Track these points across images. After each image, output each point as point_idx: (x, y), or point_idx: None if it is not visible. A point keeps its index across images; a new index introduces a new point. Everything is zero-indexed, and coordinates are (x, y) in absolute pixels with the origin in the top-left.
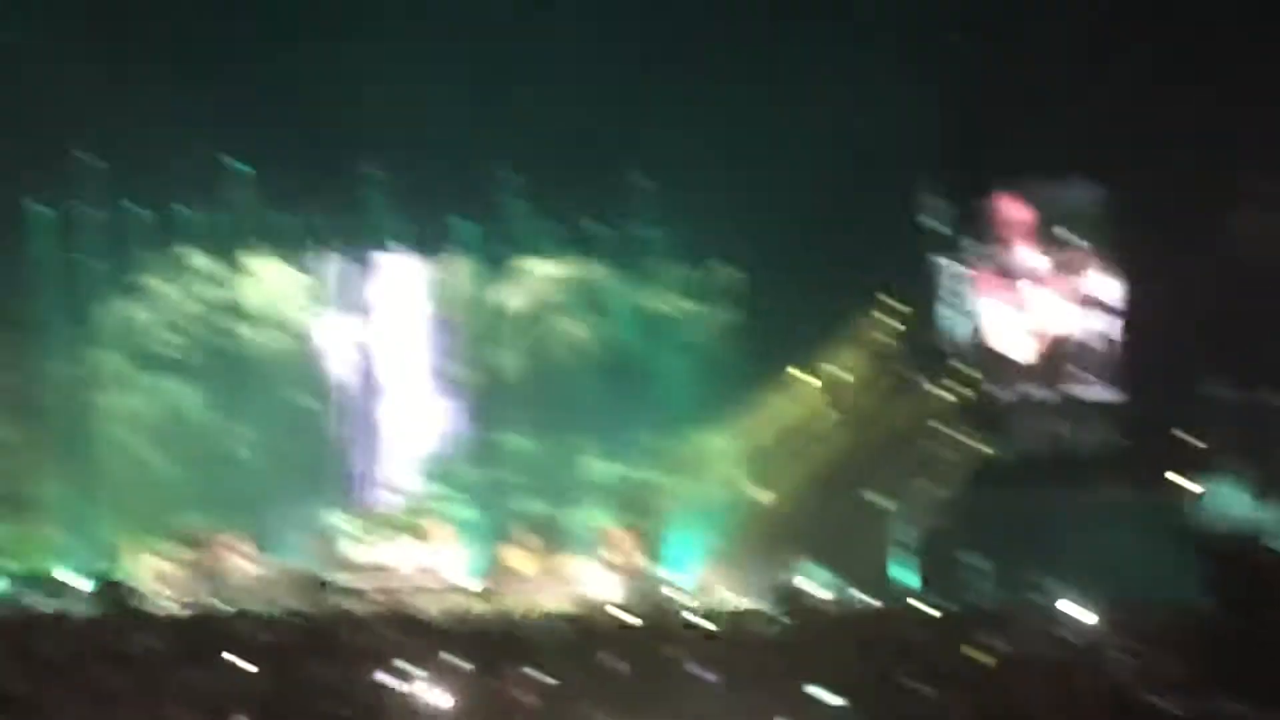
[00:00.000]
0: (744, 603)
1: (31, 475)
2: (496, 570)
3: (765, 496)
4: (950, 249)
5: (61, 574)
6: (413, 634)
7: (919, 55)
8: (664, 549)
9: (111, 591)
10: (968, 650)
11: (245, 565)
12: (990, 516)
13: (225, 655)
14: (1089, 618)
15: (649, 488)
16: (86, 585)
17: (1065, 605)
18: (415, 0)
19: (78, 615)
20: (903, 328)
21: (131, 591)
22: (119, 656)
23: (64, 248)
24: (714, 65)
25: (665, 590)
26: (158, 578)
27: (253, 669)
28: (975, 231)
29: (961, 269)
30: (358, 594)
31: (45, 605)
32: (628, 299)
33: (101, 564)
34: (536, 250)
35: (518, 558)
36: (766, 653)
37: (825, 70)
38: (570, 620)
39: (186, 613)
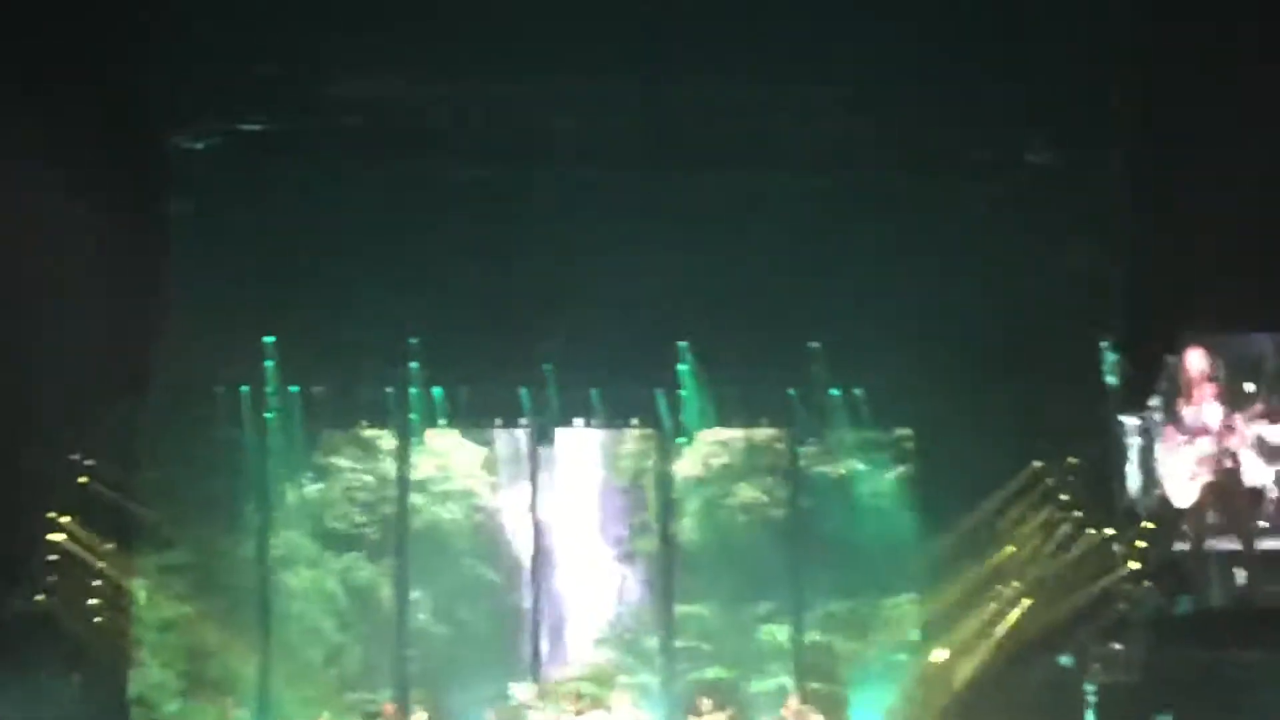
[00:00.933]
0: None
1: (217, 654)
2: None
3: (949, 660)
4: (1134, 405)
5: None
6: None
7: (1092, 211)
8: (848, 714)
9: None
10: None
11: None
12: (1179, 675)
13: None
14: None
15: (831, 653)
16: None
17: None
18: (574, 186)
19: None
20: (1086, 487)
21: None
22: None
23: (247, 428)
24: (887, 229)
25: None
26: None
27: None
28: (1159, 387)
29: (1145, 425)
30: None
31: None
32: (806, 461)
33: None
34: (713, 417)
35: None
36: None
37: (1001, 225)
38: None
39: None
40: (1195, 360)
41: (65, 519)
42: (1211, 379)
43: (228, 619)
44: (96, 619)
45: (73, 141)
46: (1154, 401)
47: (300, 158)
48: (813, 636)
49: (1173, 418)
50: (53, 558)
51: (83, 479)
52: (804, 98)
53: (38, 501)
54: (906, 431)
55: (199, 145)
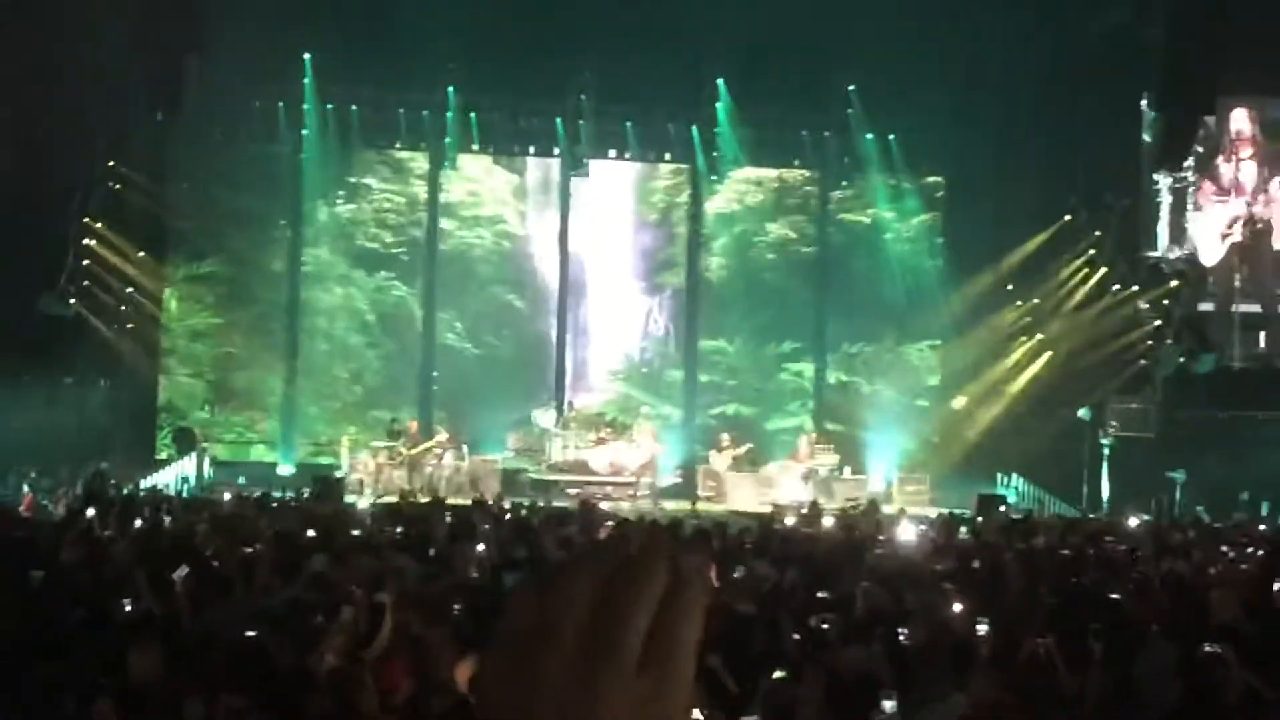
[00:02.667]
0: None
1: (246, 365)
2: (695, 471)
3: (967, 407)
4: (1168, 163)
5: (271, 461)
6: (608, 529)
7: None
8: (862, 456)
9: (320, 481)
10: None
11: (449, 459)
12: (1195, 432)
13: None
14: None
15: (851, 394)
16: (290, 472)
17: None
18: None
19: (284, 501)
20: (1115, 242)
21: (339, 481)
22: (323, 542)
23: (284, 144)
24: None
25: (859, 493)
26: (363, 468)
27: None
28: (1194, 146)
29: (1178, 183)
30: (554, 488)
31: (252, 490)
32: (835, 206)
33: (309, 453)
34: (746, 156)
35: (717, 459)
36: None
37: None
38: (758, 518)
39: (386, 500)
40: (1237, 119)
41: (99, 225)
42: (1251, 140)
43: (256, 331)
44: (127, 325)
45: None
46: (1188, 161)
47: None
48: (835, 377)
49: (1208, 176)
50: (86, 263)
51: (117, 186)
52: None
53: (70, 206)
54: (938, 179)
55: None
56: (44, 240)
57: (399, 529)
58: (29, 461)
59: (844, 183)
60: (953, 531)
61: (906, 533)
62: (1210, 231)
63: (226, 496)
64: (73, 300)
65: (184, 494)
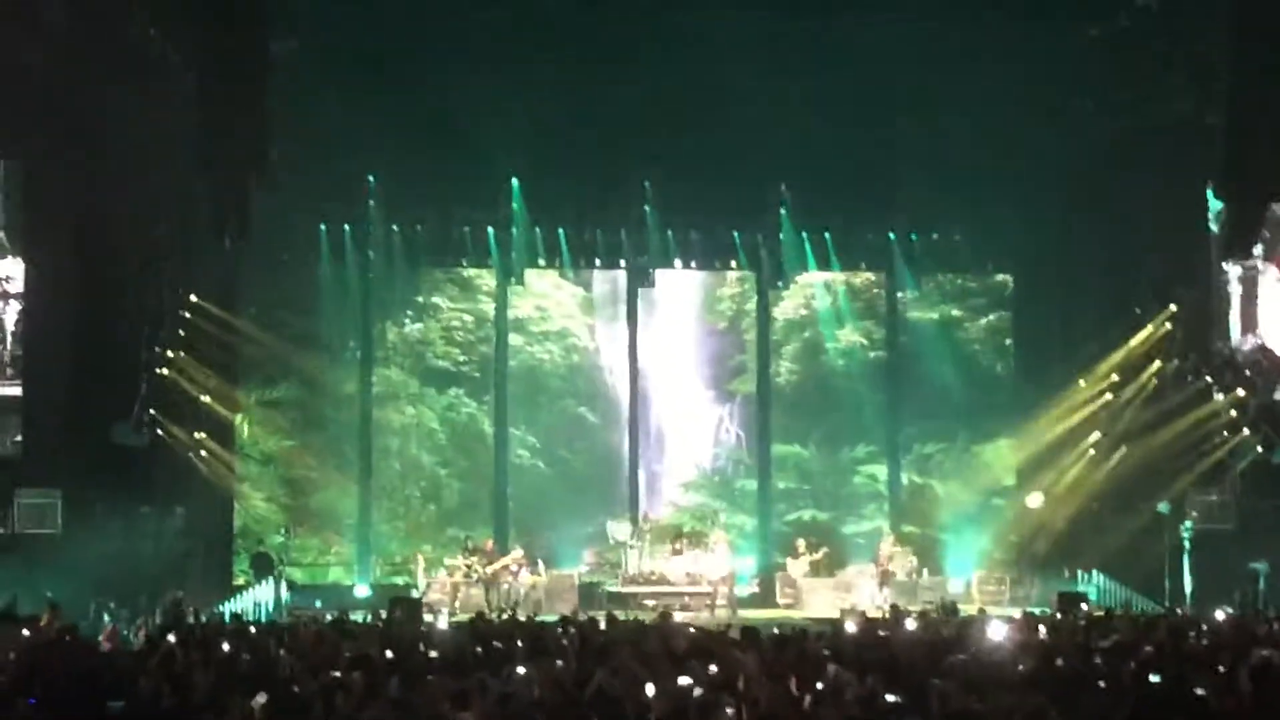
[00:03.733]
0: (1017, 610)
1: (320, 488)
2: (773, 578)
3: (1044, 505)
4: (1236, 253)
5: (349, 583)
6: (684, 640)
7: (1201, 53)
8: (940, 557)
9: (397, 601)
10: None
11: (525, 575)
12: (1276, 522)
13: (503, 660)
14: None
15: (926, 495)
16: (367, 593)
17: None
18: (705, 25)
19: (362, 623)
20: (1186, 333)
21: (416, 601)
22: (402, 663)
23: (350, 266)
24: (989, 73)
25: (940, 595)
26: (440, 587)
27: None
28: (1262, 235)
29: (1247, 273)
30: (631, 600)
31: (330, 612)
32: (904, 307)
33: (385, 574)
34: (812, 261)
35: (794, 566)
36: (1041, 655)
37: (1103, 68)
38: (836, 624)
39: (466, 620)
40: None
41: (171, 353)
42: None
43: (330, 454)
44: (202, 453)
45: None
46: (1257, 250)
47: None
48: (909, 479)
49: (1276, 262)
50: (159, 391)
51: (188, 314)
52: None
53: (146, 335)
54: (1004, 276)
55: None
56: (117, 370)
57: (478, 648)
58: (108, 592)
59: (912, 284)
60: (1033, 630)
61: (997, 633)
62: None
63: (304, 620)
64: (146, 429)
65: (262, 619)
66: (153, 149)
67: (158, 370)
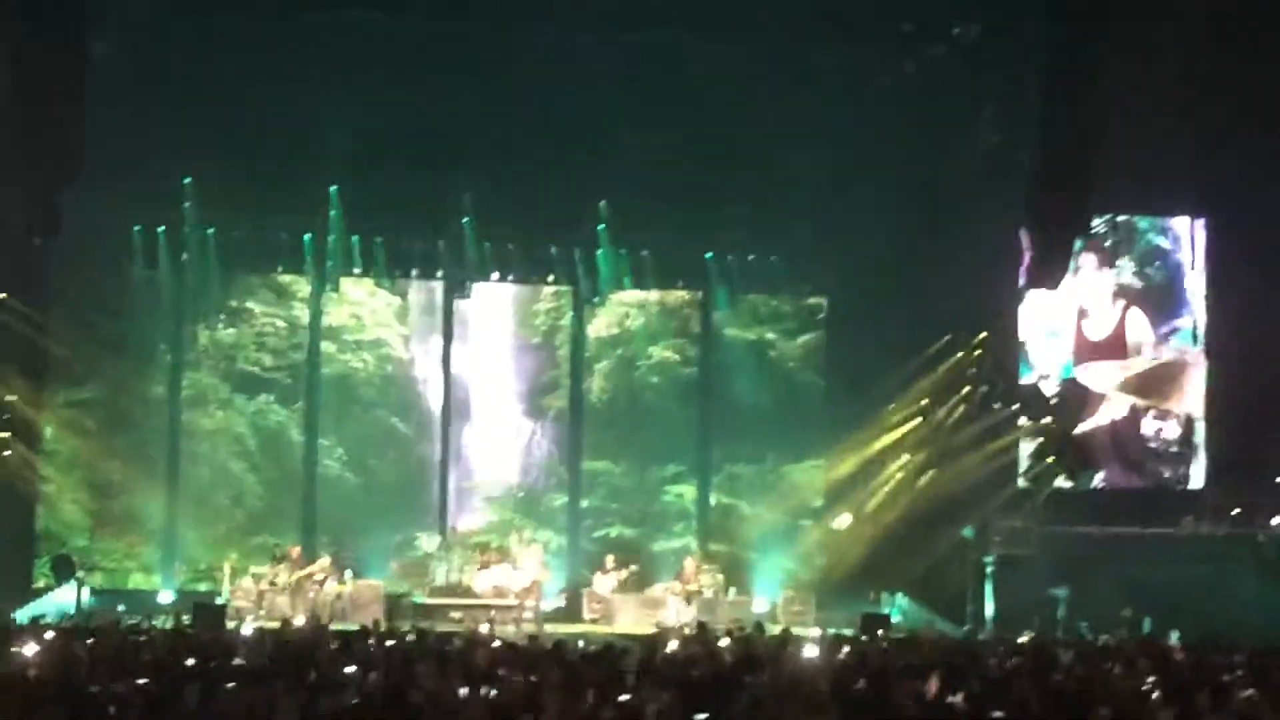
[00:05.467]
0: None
1: (126, 491)
2: (580, 594)
3: (851, 527)
4: (1042, 283)
5: (152, 588)
6: (490, 653)
7: (1012, 88)
8: (747, 576)
9: (200, 608)
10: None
11: (332, 584)
12: (1077, 549)
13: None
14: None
15: (735, 515)
16: (170, 598)
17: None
18: (532, 39)
19: (164, 629)
20: (994, 361)
21: (219, 608)
22: (204, 672)
23: (164, 269)
24: (808, 98)
25: (742, 614)
26: (245, 595)
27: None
28: (1063, 265)
29: (1048, 301)
30: (437, 612)
31: (133, 618)
32: (717, 326)
33: (190, 579)
34: (628, 278)
35: (601, 581)
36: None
37: (920, 99)
38: (643, 641)
39: (271, 628)
40: (1097, 239)
41: None
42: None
43: (137, 457)
44: (4, 453)
45: None
46: (1064, 279)
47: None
48: (718, 498)
49: (1074, 296)
50: None
51: None
52: None
53: None
54: (819, 300)
55: None
56: None
57: (281, 656)
58: None
59: (726, 303)
60: (836, 650)
61: (803, 653)
62: (1082, 351)
63: (104, 624)
64: None
65: (62, 623)
66: None
67: None
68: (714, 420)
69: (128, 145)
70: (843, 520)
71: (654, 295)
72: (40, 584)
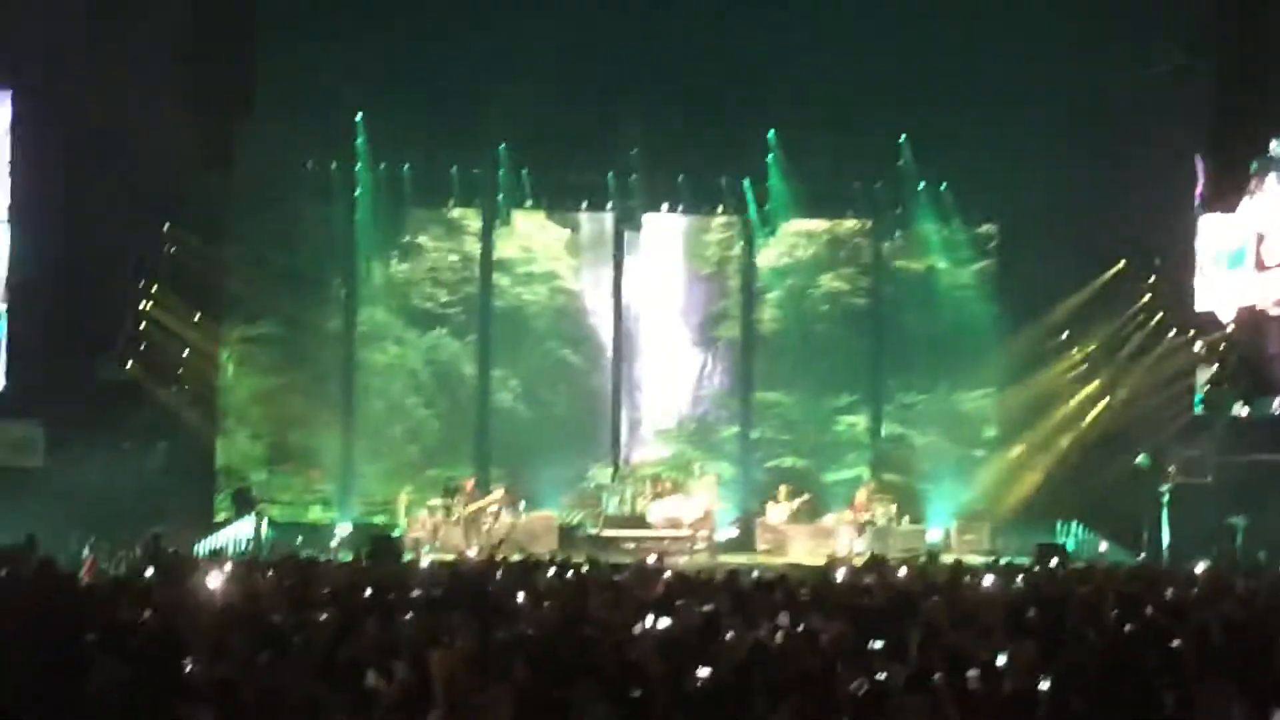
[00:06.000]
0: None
1: (303, 426)
2: (753, 524)
3: (1024, 456)
4: (1213, 205)
5: (329, 521)
6: (663, 583)
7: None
8: (920, 506)
9: (377, 540)
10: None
11: (505, 516)
12: (1253, 477)
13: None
14: None
15: (908, 445)
16: (347, 532)
17: None
18: None
19: (342, 562)
20: (1170, 287)
21: (395, 541)
22: (381, 603)
23: (338, 205)
24: (979, 21)
25: (916, 544)
26: (420, 527)
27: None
28: (1240, 187)
29: (1224, 225)
30: (611, 543)
31: (311, 550)
32: (888, 256)
33: (366, 513)
34: (798, 208)
35: (774, 512)
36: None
37: (1093, 22)
38: (816, 570)
39: (446, 560)
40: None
41: (154, 288)
42: None
43: (313, 392)
44: (184, 388)
45: None
46: (1242, 202)
47: None
48: (890, 429)
49: (1255, 221)
50: (142, 327)
51: (172, 249)
52: None
53: (127, 269)
54: (991, 227)
55: None
56: (101, 303)
57: (456, 587)
58: (89, 526)
59: (897, 233)
60: (1011, 579)
61: (983, 581)
62: (1258, 279)
63: (284, 557)
64: (129, 364)
65: (242, 555)
66: (142, 81)
67: (142, 304)
68: (885, 350)
69: (302, 81)
70: (1016, 450)
71: (823, 225)
72: (220, 518)
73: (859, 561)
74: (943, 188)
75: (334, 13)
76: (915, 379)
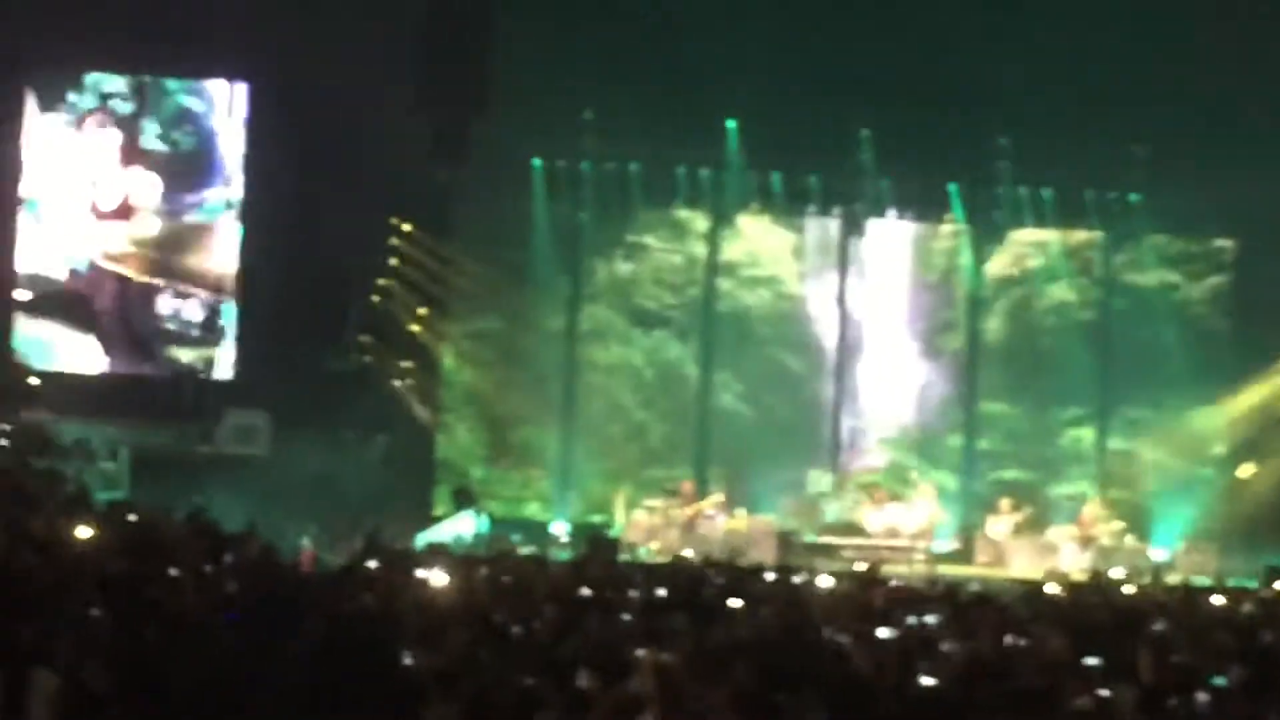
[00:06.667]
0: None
1: (523, 423)
2: (973, 536)
3: (1253, 475)
4: None
5: (547, 519)
6: (882, 594)
7: None
8: (1145, 524)
9: (595, 540)
10: None
11: (723, 520)
12: None
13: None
14: None
15: (1135, 461)
16: (564, 530)
17: None
18: None
19: (560, 560)
20: None
21: (613, 540)
22: (600, 602)
23: (565, 203)
24: (1220, 32)
25: (1140, 562)
26: (638, 528)
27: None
28: None
29: None
30: (828, 551)
31: (529, 548)
32: (1119, 268)
33: (584, 511)
34: (1028, 217)
35: (995, 525)
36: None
37: None
38: (1037, 585)
39: (664, 561)
40: None
41: (381, 281)
42: None
43: (534, 389)
44: (407, 381)
45: None
46: None
47: None
48: (1117, 443)
49: None
50: (368, 319)
51: (399, 243)
52: None
53: (355, 263)
54: (1226, 242)
55: None
56: (328, 295)
57: (673, 589)
58: (309, 516)
59: (1128, 245)
60: (1239, 603)
61: (1210, 603)
62: None
63: (502, 553)
64: (355, 356)
65: (461, 550)
66: (376, 76)
67: (368, 297)
68: (1114, 364)
69: (529, 78)
70: (1248, 469)
71: (1053, 235)
72: (439, 511)
73: (1082, 578)
74: (1177, 200)
75: (566, 10)
76: (1143, 393)
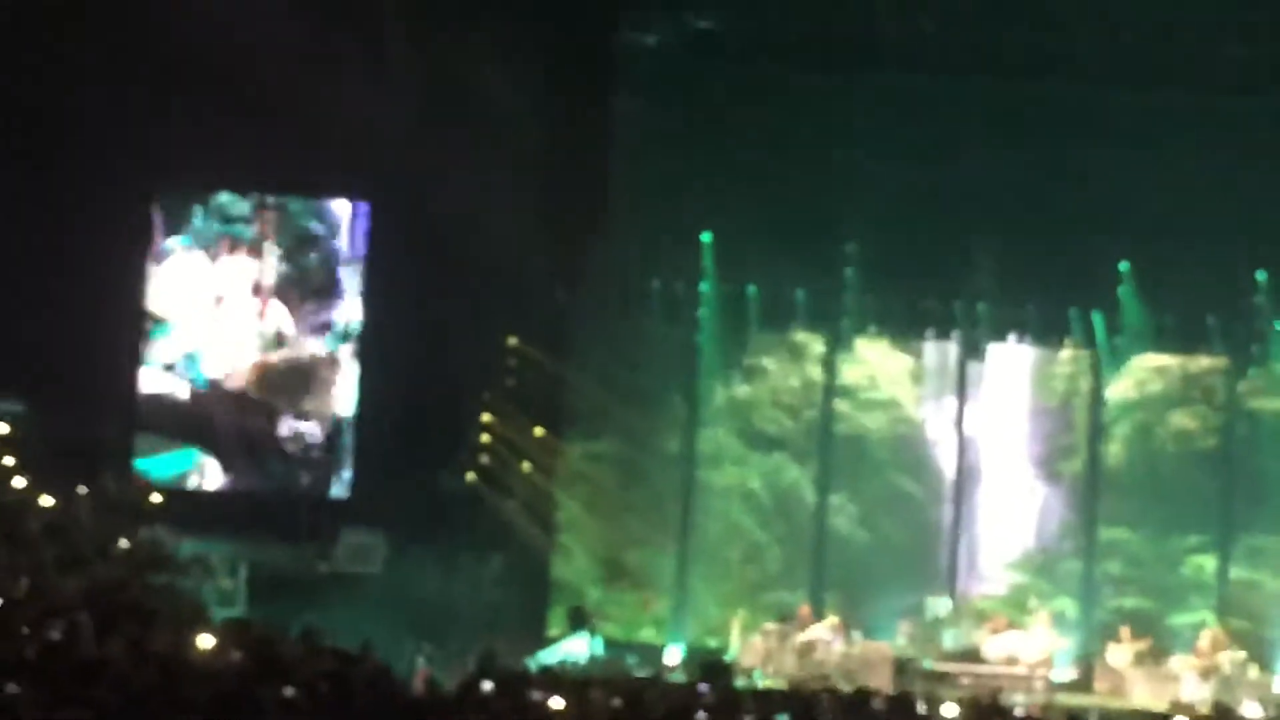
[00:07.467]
0: None
1: (638, 545)
2: (1092, 665)
3: None
4: None
5: (661, 642)
6: None
7: None
8: (1268, 654)
9: (706, 662)
10: None
11: (839, 644)
12: None
13: None
14: None
15: (1258, 590)
16: (678, 653)
17: None
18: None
19: (674, 683)
20: None
21: (725, 664)
22: None
23: (682, 325)
24: None
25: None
26: (753, 651)
27: None
28: None
29: None
30: (946, 678)
31: (641, 671)
32: (1242, 395)
33: (699, 634)
34: (1150, 342)
35: (1116, 653)
36: None
37: None
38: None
39: (778, 686)
40: None
41: (497, 402)
42: None
43: (649, 511)
44: (523, 501)
45: (524, 35)
46: None
47: (746, 59)
48: (1239, 572)
49: None
50: (484, 439)
51: (516, 363)
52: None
53: (472, 383)
54: None
55: (649, 40)
56: (444, 414)
57: (789, 713)
58: (423, 636)
59: (1252, 371)
60: None
61: None
62: None
63: (616, 676)
64: (470, 475)
65: (575, 672)
66: (494, 197)
67: (484, 417)
68: (1236, 490)
69: (649, 199)
70: None
71: (1175, 360)
72: (553, 632)
73: (1205, 710)
74: None
75: (684, 133)
76: (1267, 522)
